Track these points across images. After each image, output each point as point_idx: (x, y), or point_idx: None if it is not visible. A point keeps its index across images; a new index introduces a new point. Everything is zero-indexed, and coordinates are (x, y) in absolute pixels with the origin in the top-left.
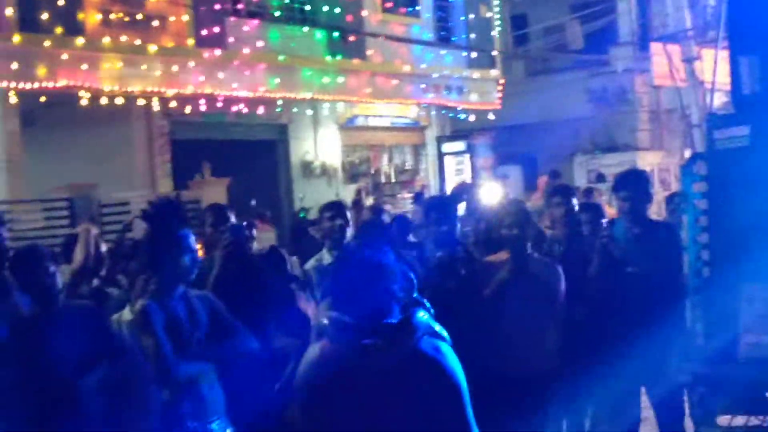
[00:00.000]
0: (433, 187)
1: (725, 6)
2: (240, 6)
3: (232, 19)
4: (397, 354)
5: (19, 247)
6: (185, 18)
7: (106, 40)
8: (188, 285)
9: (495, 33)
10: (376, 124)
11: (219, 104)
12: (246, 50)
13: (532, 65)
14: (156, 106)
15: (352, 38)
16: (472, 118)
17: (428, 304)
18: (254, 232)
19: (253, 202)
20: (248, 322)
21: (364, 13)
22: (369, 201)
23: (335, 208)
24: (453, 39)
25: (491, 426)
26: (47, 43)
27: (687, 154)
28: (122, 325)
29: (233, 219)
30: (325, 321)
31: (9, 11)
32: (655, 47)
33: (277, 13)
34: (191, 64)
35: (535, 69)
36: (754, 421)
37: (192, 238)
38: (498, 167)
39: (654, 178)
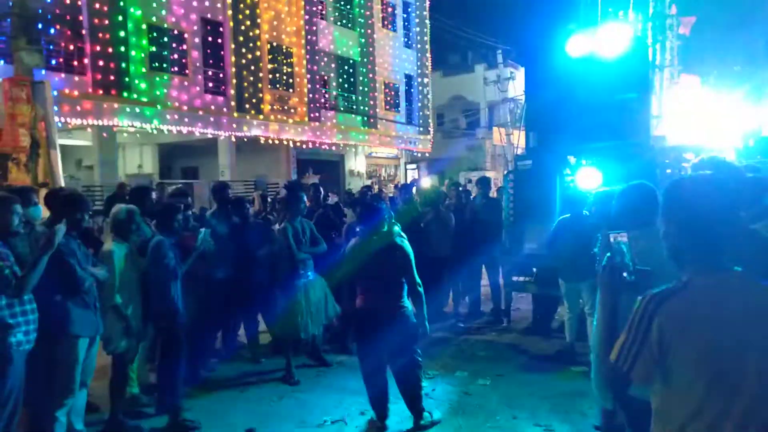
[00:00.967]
0: (401, 182)
1: (525, 110)
2: (326, 104)
3: (323, 110)
4: (386, 241)
5: (233, 198)
6: (304, 109)
7: (271, 116)
8: (302, 217)
9: (431, 117)
10: (380, 156)
11: (317, 145)
12: (328, 123)
13: (446, 133)
14: (291, 144)
15: (371, 120)
16: (419, 154)
17: (399, 225)
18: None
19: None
20: (324, 237)
21: (378, 109)
22: (376, 187)
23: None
24: (413, 121)
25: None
26: (247, 117)
27: (504, 172)
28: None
29: (322, 191)
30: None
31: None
32: (495, 129)
33: (341, 108)
34: (306, 127)
35: (446, 135)
36: (525, 279)
37: (304, 197)
38: (428, 174)
39: (493, 180)
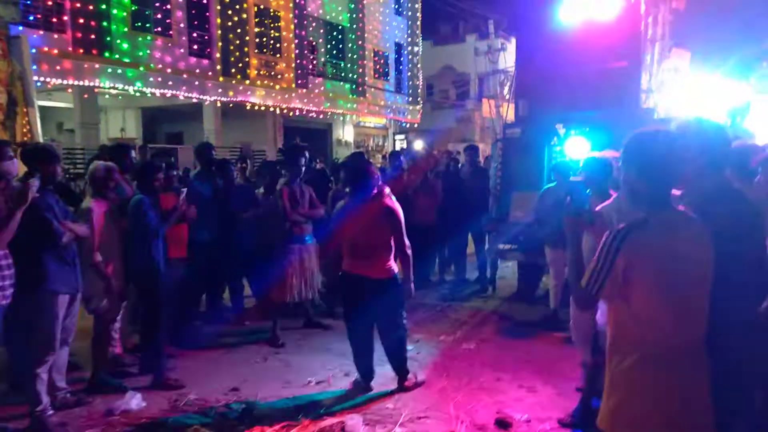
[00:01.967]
0: (389, 151)
1: (515, 78)
2: (314, 71)
3: (310, 76)
4: (376, 203)
5: (218, 159)
6: (292, 75)
7: (258, 81)
8: (300, 180)
9: (420, 88)
10: (369, 125)
11: (304, 113)
12: (316, 90)
13: (435, 104)
14: (278, 111)
15: (360, 88)
16: (407, 125)
17: (388, 188)
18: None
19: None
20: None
21: (367, 78)
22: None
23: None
24: (402, 90)
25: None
26: (233, 82)
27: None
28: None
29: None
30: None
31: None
32: (485, 101)
33: (330, 75)
34: (293, 94)
35: (435, 106)
36: (511, 247)
37: (302, 161)
38: (415, 142)
39: (481, 150)
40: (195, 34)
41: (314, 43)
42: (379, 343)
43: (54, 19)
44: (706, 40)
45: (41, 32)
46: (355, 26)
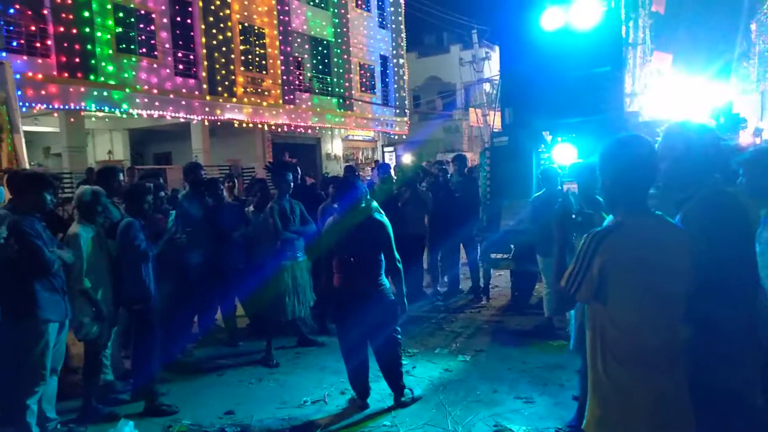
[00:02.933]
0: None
1: (500, 86)
2: (301, 86)
3: (297, 92)
4: (364, 217)
5: (208, 178)
6: (278, 91)
7: (245, 99)
8: (289, 196)
9: (407, 99)
10: (357, 138)
11: (292, 128)
12: (303, 105)
13: (422, 115)
14: (266, 128)
15: (347, 102)
16: (395, 137)
17: (375, 202)
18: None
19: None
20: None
21: (353, 91)
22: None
23: (334, 180)
24: (389, 102)
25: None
26: (220, 100)
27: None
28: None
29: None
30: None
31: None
32: (471, 110)
33: (316, 90)
34: (281, 110)
35: (422, 117)
36: (503, 256)
37: (290, 176)
38: (404, 154)
39: (469, 159)
40: (180, 54)
41: (300, 59)
42: (374, 359)
43: (37, 44)
44: (687, 42)
45: (25, 57)
46: (339, 40)
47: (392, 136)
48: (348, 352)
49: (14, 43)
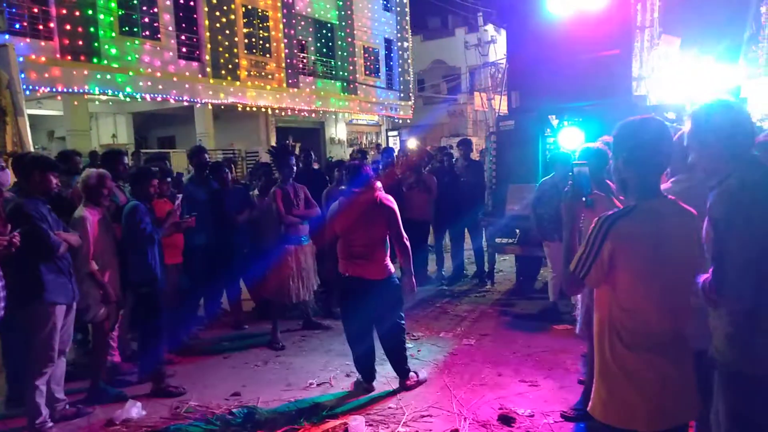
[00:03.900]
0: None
1: (507, 70)
2: (304, 70)
3: (301, 75)
4: (368, 197)
5: (215, 161)
6: (282, 74)
7: (248, 82)
8: (293, 180)
9: (411, 83)
10: (361, 123)
11: (296, 112)
12: (307, 89)
13: (426, 99)
14: (270, 111)
15: (351, 86)
16: (400, 121)
17: (380, 184)
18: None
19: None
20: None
21: (357, 75)
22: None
23: (339, 163)
24: (393, 86)
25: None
26: (224, 83)
27: (485, 135)
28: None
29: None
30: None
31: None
32: (476, 94)
33: (320, 73)
34: (285, 94)
35: (427, 101)
36: (508, 241)
37: (293, 160)
38: (409, 138)
39: (474, 143)
40: (183, 37)
41: (304, 42)
42: (379, 342)
43: (40, 27)
44: (695, 25)
45: (28, 40)
46: (344, 23)
47: (396, 120)
48: (353, 336)
49: (17, 26)
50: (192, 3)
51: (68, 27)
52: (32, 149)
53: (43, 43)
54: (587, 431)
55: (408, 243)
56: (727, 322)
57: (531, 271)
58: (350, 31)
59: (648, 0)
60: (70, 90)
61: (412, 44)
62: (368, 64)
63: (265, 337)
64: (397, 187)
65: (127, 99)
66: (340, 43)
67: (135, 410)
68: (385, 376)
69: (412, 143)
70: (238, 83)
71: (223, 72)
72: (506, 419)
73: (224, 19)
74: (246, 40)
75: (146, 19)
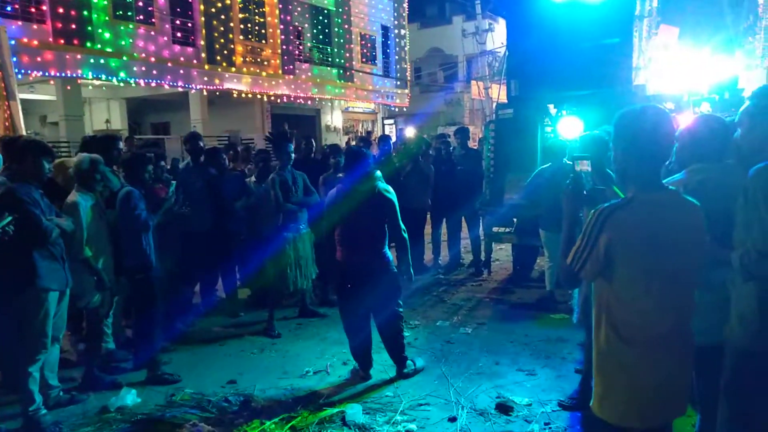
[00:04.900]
0: (378, 135)
1: (506, 58)
2: (300, 57)
3: (297, 62)
4: (368, 190)
5: (208, 148)
6: (278, 61)
7: (244, 68)
8: (291, 167)
9: (408, 71)
10: (357, 110)
11: (291, 99)
12: (303, 76)
13: (423, 87)
14: (265, 98)
15: (347, 73)
16: (396, 109)
17: (380, 173)
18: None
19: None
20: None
21: (354, 62)
22: (353, 142)
23: (335, 149)
24: (390, 74)
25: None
26: (219, 69)
27: (482, 124)
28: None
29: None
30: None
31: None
32: (473, 83)
33: (317, 60)
34: (280, 81)
35: (424, 89)
36: (505, 230)
37: (291, 146)
38: (406, 127)
39: (471, 132)
40: (178, 22)
41: (300, 28)
42: (376, 331)
43: (32, 9)
44: (694, 14)
45: (20, 23)
46: (340, 10)
47: (393, 109)
48: (350, 324)
49: (9, 8)
50: None
51: (61, 10)
52: (25, 134)
53: (35, 27)
54: (584, 421)
55: (406, 234)
56: (754, 297)
57: (528, 260)
58: (347, 18)
59: None
60: (63, 74)
61: (409, 32)
62: (365, 51)
63: (261, 325)
64: (395, 176)
65: (121, 84)
66: (336, 29)
67: (130, 397)
68: (382, 364)
69: (410, 132)
70: (233, 69)
71: (218, 58)
72: (504, 408)
73: (219, 4)
74: (242, 26)
75: (140, 3)
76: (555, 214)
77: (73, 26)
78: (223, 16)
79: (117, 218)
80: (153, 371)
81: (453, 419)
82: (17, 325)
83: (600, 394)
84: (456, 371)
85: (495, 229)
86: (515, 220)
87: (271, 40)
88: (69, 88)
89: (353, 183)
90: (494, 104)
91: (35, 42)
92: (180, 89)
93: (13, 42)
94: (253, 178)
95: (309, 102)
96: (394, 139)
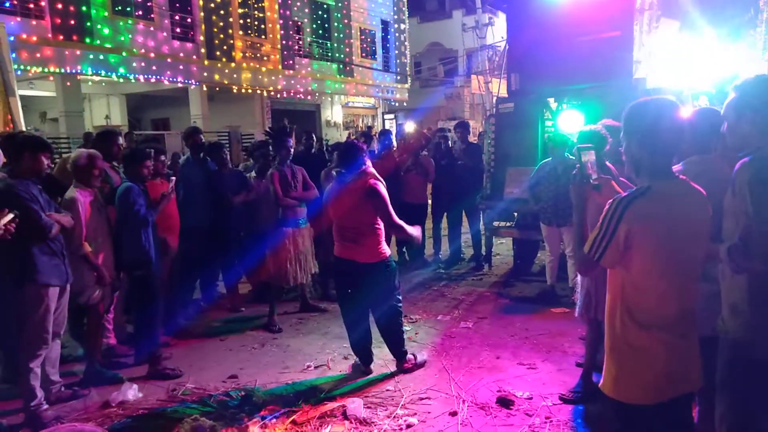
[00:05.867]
0: (378, 130)
1: (506, 52)
2: (300, 52)
3: (297, 57)
4: (359, 183)
5: (211, 142)
6: (278, 56)
7: (243, 64)
8: (290, 162)
9: (408, 66)
10: (357, 105)
11: (291, 94)
12: (303, 71)
13: (423, 82)
14: (265, 93)
15: (347, 68)
16: (396, 104)
17: (372, 168)
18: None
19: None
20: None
21: (354, 57)
22: (353, 137)
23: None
24: (390, 69)
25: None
26: (218, 65)
27: (483, 120)
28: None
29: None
30: (334, 173)
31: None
32: (473, 77)
33: (316, 55)
34: (280, 76)
35: (424, 84)
36: (505, 224)
37: (290, 142)
38: (406, 122)
39: (471, 126)
40: (177, 17)
41: (300, 23)
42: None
43: (31, 5)
44: (695, 8)
45: (19, 19)
46: (340, 4)
47: (393, 103)
48: (349, 319)
49: (7, 4)
50: None
51: (60, 6)
52: (24, 130)
53: (34, 22)
54: (585, 414)
55: (400, 222)
56: (745, 289)
57: (528, 254)
58: (347, 13)
59: None
60: (63, 70)
61: (409, 26)
62: (365, 46)
63: (262, 320)
64: (395, 171)
65: (121, 80)
66: (336, 24)
67: (131, 392)
68: (383, 358)
69: (410, 126)
70: (233, 64)
71: (217, 53)
72: (505, 402)
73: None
74: (241, 21)
75: None
76: (555, 208)
77: (72, 22)
78: (222, 11)
79: (116, 214)
80: (154, 366)
81: (454, 413)
82: (18, 321)
83: (613, 374)
84: (457, 365)
85: (496, 223)
86: (516, 214)
87: (271, 35)
88: (68, 84)
89: (345, 179)
90: (494, 98)
91: (34, 38)
92: (180, 85)
93: (12, 38)
94: (253, 173)
95: (309, 97)
96: (394, 133)
